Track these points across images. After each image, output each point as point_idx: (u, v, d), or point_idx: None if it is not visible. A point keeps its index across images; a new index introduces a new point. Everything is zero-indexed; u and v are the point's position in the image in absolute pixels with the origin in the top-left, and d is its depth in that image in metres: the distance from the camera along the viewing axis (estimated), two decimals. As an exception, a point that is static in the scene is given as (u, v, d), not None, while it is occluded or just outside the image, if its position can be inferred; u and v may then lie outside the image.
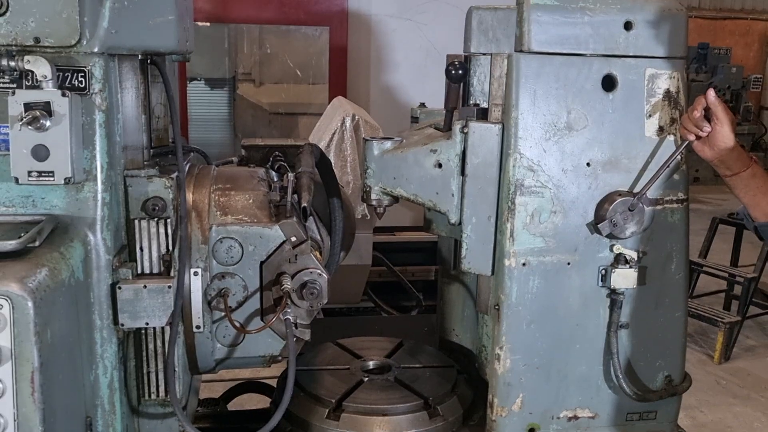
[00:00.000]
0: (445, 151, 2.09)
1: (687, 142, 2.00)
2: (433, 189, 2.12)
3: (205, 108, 8.04)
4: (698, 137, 1.98)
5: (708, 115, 1.95)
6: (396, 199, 2.21)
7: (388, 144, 2.17)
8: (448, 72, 2.17)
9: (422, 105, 2.69)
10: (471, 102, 2.34)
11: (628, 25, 2.01)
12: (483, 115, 2.12)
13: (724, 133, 1.94)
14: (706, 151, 1.99)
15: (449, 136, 2.09)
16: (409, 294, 5.68)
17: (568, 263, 2.07)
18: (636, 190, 2.05)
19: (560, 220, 2.04)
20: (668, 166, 2.02)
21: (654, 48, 2.03)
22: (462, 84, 2.28)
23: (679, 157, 2.05)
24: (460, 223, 2.11)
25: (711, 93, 1.93)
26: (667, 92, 2.06)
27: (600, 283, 2.09)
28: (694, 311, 5.98)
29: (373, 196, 2.20)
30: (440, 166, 2.10)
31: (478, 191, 2.07)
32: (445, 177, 2.10)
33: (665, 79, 2.05)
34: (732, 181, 2.06)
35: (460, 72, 2.18)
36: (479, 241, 2.09)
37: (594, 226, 2.04)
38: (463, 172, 2.08)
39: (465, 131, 2.06)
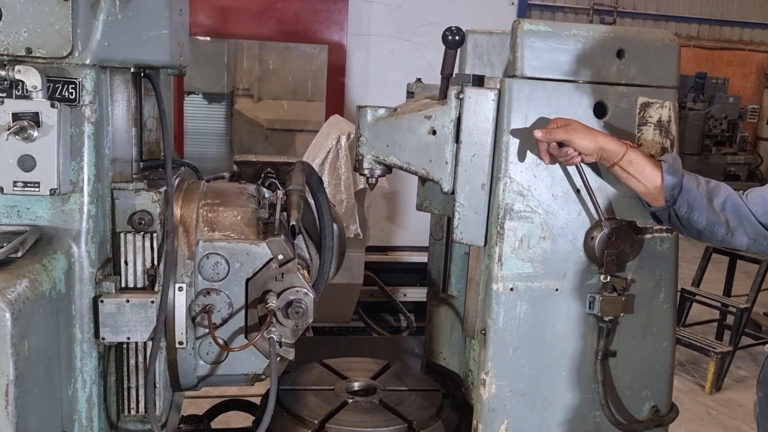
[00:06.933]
0: (440, 117, 2.06)
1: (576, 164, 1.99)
2: (427, 156, 2.08)
3: (202, 122, 8.02)
4: (583, 160, 1.96)
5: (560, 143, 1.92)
6: (389, 168, 2.17)
7: (382, 111, 2.14)
8: (444, 38, 2.09)
9: (418, 80, 2.61)
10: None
11: (620, 54, 2.02)
12: (479, 82, 2.08)
13: (581, 145, 1.91)
14: (585, 159, 1.95)
15: (444, 103, 2.06)
16: (401, 314, 5.66)
17: (556, 289, 2.05)
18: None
19: (549, 245, 2.03)
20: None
21: (646, 77, 2.04)
22: (458, 51, 2.18)
23: None
24: (453, 192, 2.07)
25: (537, 134, 1.93)
26: (659, 121, 2.06)
27: (588, 311, 2.07)
28: (686, 340, 5.95)
29: (366, 165, 2.16)
30: (434, 132, 2.06)
31: (472, 158, 2.04)
32: (439, 144, 2.06)
33: (657, 108, 2.06)
34: (614, 172, 1.97)
35: (457, 38, 2.09)
36: (472, 209, 2.05)
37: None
38: (457, 139, 2.04)
39: (460, 97, 2.02)
